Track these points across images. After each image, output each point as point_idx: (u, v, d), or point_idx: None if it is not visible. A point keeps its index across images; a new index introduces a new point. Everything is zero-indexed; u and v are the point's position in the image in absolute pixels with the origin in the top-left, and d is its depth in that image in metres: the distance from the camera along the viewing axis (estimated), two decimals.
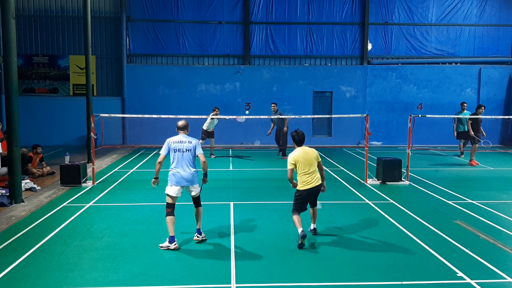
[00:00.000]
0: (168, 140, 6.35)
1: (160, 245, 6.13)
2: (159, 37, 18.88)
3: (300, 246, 6.11)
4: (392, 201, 8.91)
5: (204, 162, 6.28)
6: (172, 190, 6.22)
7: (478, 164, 13.38)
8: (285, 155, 14.62)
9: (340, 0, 19.11)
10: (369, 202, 8.79)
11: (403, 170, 10.83)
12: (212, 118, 14.36)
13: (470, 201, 8.94)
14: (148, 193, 9.59)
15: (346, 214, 7.93)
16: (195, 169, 6.28)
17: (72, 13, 18.68)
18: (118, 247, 6.15)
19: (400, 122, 19.19)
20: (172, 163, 6.28)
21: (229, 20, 18.98)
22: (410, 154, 11.11)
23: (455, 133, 14.89)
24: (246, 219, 7.56)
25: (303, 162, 6.41)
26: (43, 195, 9.26)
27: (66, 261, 5.60)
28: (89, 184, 10.37)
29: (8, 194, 8.55)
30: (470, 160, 13.44)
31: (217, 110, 14.45)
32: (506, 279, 5.14)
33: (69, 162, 11.06)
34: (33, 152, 11.31)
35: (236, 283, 5.00)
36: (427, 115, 12.12)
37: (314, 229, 6.88)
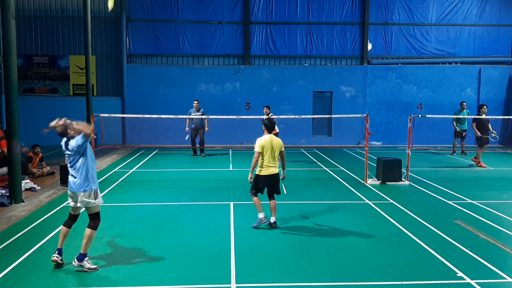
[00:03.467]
0: None
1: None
2: (159, 37, 18.88)
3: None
4: (392, 201, 8.91)
5: None
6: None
7: (486, 166, 13.23)
8: (203, 152, 15.06)
9: (340, 0, 19.11)
10: (369, 202, 8.79)
11: (403, 170, 10.83)
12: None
13: (470, 201, 8.94)
14: (148, 193, 9.60)
15: (346, 214, 7.93)
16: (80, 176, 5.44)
17: (72, 13, 18.68)
18: (118, 247, 6.15)
19: (400, 122, 19.19)
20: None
21: (229, 20, 18.98)
22: (410, 154, 11.11)
23: (457, 128, 15.30)
24: (246, 219, 7.55)
25: (269, 149, 6.90)
26: (43, 195, 9.26)
27: (66, 261, 5.59)
28: None
29: (8, 194, 8.55)
30: (479, 162, 13.32)
31: (266, 109, 13.56)
32: (506, 279, 5.14)
33: None
34: (32, 152, 11.31)
35: (236, 283, 5.00)
36: (427, 115, 12.14)
37: (274, 222, 7.06)
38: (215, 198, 9.05)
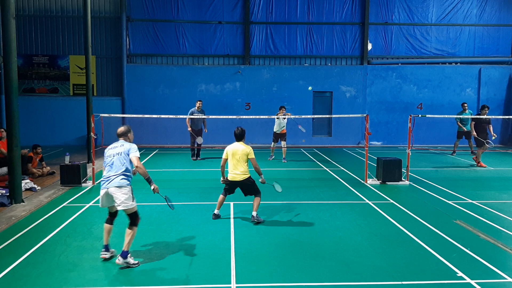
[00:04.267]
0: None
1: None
2: (159, 37, 18.89)
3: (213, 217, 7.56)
4: (392, 201, 8.91)
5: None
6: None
7: (486, 166, 13.21)
8: (199, 156, 14.69)
9: (340, 0, 19.12)
10: (369, 202, 8.79)
11: (403, 170, 10.83)
12: (277, 118, 13.93)
13: (470, 201, 8.95)
14: (148, 193, 9.57)
15: (346, 214, 7.93)
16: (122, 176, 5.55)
17: (72, 13, 18.68)
18: (118, 247, 6.13)
19: (400, 122, 19.20)
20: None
21: (229, 20, 18.98)
22: (410, 154, 11.11)
23: (464, 129, 15.17)
24: (246, 219, 7.56)
25: (232, 156, 7.29)
26: (43, 195, 9.26)
27: (66, 261, 5.60)
28: (89, 184, 10.37)
29: (8, 194, 8.55)
30: (478, 162, 13.33)
31: (283, 109, 13.97)
32: (506, 279, 5.14)
33: (69, 162, 11.06)
34: (33, 152, 11.31)
35: (236, 283, 5.00)
36: (427, 115, 12.13)
37: (252, 216, 7.38)
38: (215, 198, 9.00)
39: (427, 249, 6.09)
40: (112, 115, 12.34)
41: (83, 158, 13.22)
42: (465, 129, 15.16)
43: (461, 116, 15.03)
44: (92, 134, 10.83)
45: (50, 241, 6.40)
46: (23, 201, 8.56)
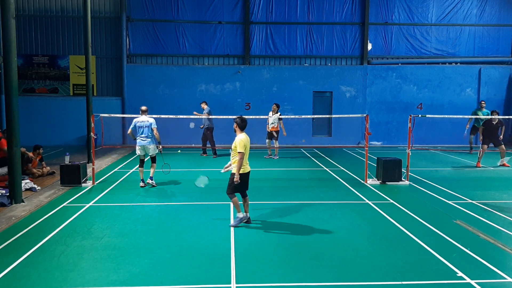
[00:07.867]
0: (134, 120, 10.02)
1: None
2: (159, 37, 18.89)
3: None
4: (392, 201, 8.91)
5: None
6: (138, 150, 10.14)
7: (485, 166, 13.16)
8: (216, 154, 15.41)
9: (340, 0, 19.11)
10: (369, 202, 8.79)
11: (403, 170, 10.83)
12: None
13: (470, 201, 8.95)
14: (148, 193, 9.60)
15: (346, 214, 7.93)
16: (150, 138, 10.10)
17: (72, 13, 18.68)
18: (118, 247, 6.15)
19: (400, 122, 19.19)
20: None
21: (229, 20, 18.98)
22: (410, 154, 11.11)
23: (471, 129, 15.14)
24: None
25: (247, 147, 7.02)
26: (43, 195, 9.26)
27: (66, 261, 5.60)
28: (89, 184, 10.37)
29: (8, 194, 8.55)
30: (478, 163, 13.31)
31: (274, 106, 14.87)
32: (506, 279, 5.14)
33: (69, 162, 11.06)
34: (34, 152, 11.31)
35: (236, 283, 5.00)
36: (427, 115, 12.13)
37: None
38: (215, 198, 9.06)
39: (427, 249, 6.09)
40: (112, 115, 12.34)
41: (83, 158, 13.21)
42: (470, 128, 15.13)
43: (478, 116, 14.68)
44: (92, 134, 10.83)
45: (50, 241, 6.40)
46: (23, 201, 8.56)
